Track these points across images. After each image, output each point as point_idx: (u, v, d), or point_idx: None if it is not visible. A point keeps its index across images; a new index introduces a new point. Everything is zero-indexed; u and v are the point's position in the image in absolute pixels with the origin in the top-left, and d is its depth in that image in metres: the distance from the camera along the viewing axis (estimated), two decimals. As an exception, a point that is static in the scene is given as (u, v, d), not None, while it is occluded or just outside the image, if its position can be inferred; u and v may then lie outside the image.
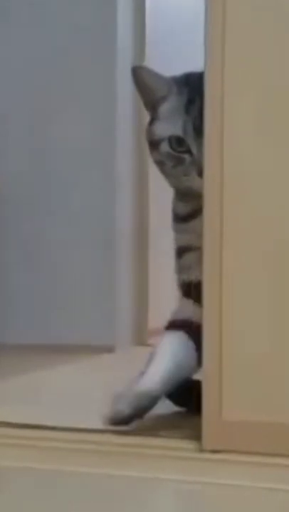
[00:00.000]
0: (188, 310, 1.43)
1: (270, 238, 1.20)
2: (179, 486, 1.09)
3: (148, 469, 1.16)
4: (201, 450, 1.21)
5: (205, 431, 1.22)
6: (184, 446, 1.25)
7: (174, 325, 1.44)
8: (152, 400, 1.31)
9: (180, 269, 1.47)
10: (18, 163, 2.89)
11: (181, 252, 1.46)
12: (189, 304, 1.43)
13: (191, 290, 1.43)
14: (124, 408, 1.27)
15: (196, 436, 1.23)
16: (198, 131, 1.35)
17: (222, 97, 1.21)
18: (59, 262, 2.85)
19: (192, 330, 1.39)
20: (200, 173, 1.34)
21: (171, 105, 1.41)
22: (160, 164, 1.43)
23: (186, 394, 1.41)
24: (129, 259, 2.90)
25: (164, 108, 1.42)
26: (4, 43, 2.90)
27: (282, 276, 1.19)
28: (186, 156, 1.38)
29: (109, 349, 2.66)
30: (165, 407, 1.45)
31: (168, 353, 1.38)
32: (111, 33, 2.80)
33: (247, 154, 1.21)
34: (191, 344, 1.39)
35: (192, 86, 1.39)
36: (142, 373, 1.34)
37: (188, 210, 1.43)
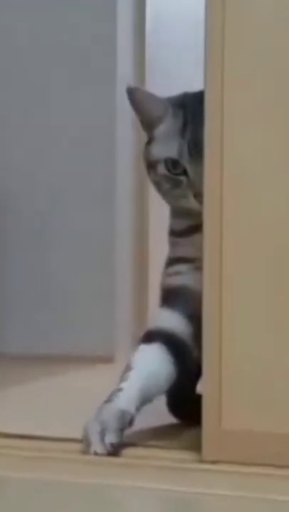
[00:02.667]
0: (169, 320, 1.40)
1: (270, 243, 1.19)
2: (178, 497, 1.08)
3: (147, 480, 1.15)
4: (201, 461, 1.20)
5: (205, 441, 1.21)
6: (183, 456, 1.24)
7: (151, 336, 1.39)
8: (131, 420, 1.28)
9: (167, 275, 1.44)
10: (17, 169, 2.89)
11: (172, 261, 1.45)
12: (171, 314, 1.40)
13: (175, 296, 1.40)
14: (113, 439, 1.24)
15: (196, 447, 1.22)
16: (194, 153, 1.36)
17: (222, 110, 1.21)
18: (58, 272, 2.85)
19: (172, 342, 1.37)
20: (196, 195, 1.35)
21: (166, 127, 1.41)
22: (157, 184, 1.43)
23: (189, 407, 1.39)
24: (128, 269, 2.90)
25: (160, 130, 1.42)
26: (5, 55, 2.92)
27: (283, 282, 1.18)
28: (183, 178, 1.38)
29: (109, 359, 2.65)
30: (164, 417, 1.44)
31: (144, 371, 1.34)
32: (111, 52, 2.81)
33: (246, 161, 1.20)
34: (168, 358, 1.36)
35: (187, 108, 1.39)
36: (117, 390, 1.31)
37: (184, 226, 1.43)
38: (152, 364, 1.36)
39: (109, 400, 1.29)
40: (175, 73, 2.85)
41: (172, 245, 1.47)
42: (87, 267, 2.81)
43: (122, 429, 1.25)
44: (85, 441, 1.26)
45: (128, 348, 2.84)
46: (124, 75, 2.82)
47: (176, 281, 1.42)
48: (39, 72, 2.88)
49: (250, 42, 1.20)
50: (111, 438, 1.23)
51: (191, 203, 1.37)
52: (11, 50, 2.90)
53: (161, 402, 1.42)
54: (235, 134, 1.20)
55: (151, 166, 1.43)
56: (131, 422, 1.28)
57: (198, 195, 1.32)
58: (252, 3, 1.21)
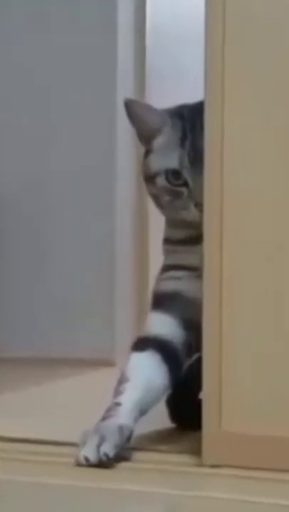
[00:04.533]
0: (162, 325, 1.39)
1: (270, 248, 1.19)
2: (177, 501, 1.08)
3: (147, 484, 1.15)
4: (201, 465, 1.20)
5: (205, 445, 1.21)
6: (183, 460, 1.24)
7: (143, 343, 1.38)
8: (130, 435, 1.26)
9: (162, 280, 1.43)
10: (18, 173, 2.89)
11: (168, 268, 1.44)
12: (164, 318, 1.39)
13: (169, 301, 1.39)
14: (109, 450, 1.20)
15: (196, 450, 1.22)
16: (194, 163, 1.35)
17: (222, 121, 1.21)
18: (58, 275, 2.84)
19: (165, 349, 1.36)
20: (197, 205, 1.34)
21: (165, 138, 1.40)
22: (156, 197, 1.42)
23: (189, 413, 1.39)
24: (129, 272, 2.89)
25: (159, 141, 1.41)
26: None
27: (283, 286, 1.18)
28: (184, 190, 1.37)
29: (110, 363, 2.65)
30: (164, 421, 1.44)
31: (140, 382, 1.33)
32: (111, 64, 2.80)
33: (247, 169, 1.21)
34: (162, 367, 1.35)
35: (186, 118, 1.39)
36: (115, 404, 1.29)
37: (182, 236, 1.42)
38: (148, 374, 1.34)
39: (108, 416, 1.27)
40: (175, 82, 2.86)
41: (168, 253, 1.45)
42: (88, 270, 2.81)
43: (120, 446, 1.23)
44: (79, 451, 1.23)
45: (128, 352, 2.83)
46: (125, 85, 2.82)
47: (170, 286, 1.41)
48: (40, 80, 2.88)
49: (251, 50, 1.21)
50: (106, 448, 1.20)
51: (192, 214, 1.36)
52: (12, 54, 2.90)
53: (161, 406, 1.41)
54: (236, 143, 1.20)
55: (150, 178, 1.42)
56: (129, 438, 1.25)
57: (200, 205, 1.31)
58: (252, 13, 1.21)
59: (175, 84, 2.85)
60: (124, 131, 2.74)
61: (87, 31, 2.82)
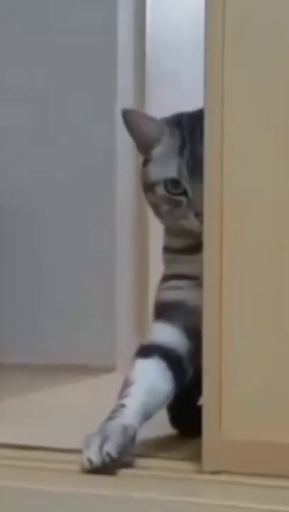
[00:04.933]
0: (165, 334, 1.38)
1: (270, 254, 1.19)
2: (177, 508, 1.08)
3: (146, 490, 1.14)
4: (201, 471, 1.19)
5: (205, 452, 1.20)
6: (183, 467, 1.23)
7: (148, 350, 1.38)
8: (135, 436, 1.25)
9: (163, 290, 1.43)
10: (18, 173, 2.88)
11: (169, 278, 1.43)
12: (167, 327, 1.39)
13: (172, 310, 1.39)
14: (111, 450, 1.19)
15: (197, 457, 1.21)
16: (193, 172, 1.35)
17: (222, 121, 1.21)
18: (58, 281, 2.84)
19: (170, 357, 1.35)
20: (197, 215, 1.34)
21: (164, 148, 1.40)
22: (155, 206, 1.42)
23: (191, 420, 1.38)
24: (129, 278, 2.89)
25: (158, 151, 1.40)
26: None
27: (283, 291, 1.18)
28: (183, 199, 1.37)
29: (110, 369, 2.64)
30: (164, 428, 1.43)
31: (145, 387, 1.32)
32: (111, 65, 2.81)
33: (247, 177, 1.20)
34: (167, 374, 1.34)
35: (184, 127, 1.39)
36: (120, 406, 1.28)
37: (182, 245, 1.42)
38: (153, 380, 1.34)
39: (112, 417, 1.26)
40: (175, 86, 2.86)
41: (168, 262, 1.45)
42: (88, 275, 2.81)
43: (124, 446, 1.21)
44: (82, 453, 1.22)
45: (129, 358, 2.82)
46: (125, 85, 2.82)
47: (172, 295, 1.41)
48: (40, 80, 2.88)
49: (251, 51, 1.20)
50: (109, 448, 1.19)
51: (192, 223, 1.36)
52: (11, 54, 2.90)
53: (161, 412, 1.40)
54: (236, 143, 1.20)
55: (149, 187, 1.41)
56: (134, 439, 1.24)
57: (199, 214, 1.30)
58: (252, 13, 1.20)
59: (175, 85, 2.85)
60: (124, 131, 2.74)
61: (87, 31, 2.82)
